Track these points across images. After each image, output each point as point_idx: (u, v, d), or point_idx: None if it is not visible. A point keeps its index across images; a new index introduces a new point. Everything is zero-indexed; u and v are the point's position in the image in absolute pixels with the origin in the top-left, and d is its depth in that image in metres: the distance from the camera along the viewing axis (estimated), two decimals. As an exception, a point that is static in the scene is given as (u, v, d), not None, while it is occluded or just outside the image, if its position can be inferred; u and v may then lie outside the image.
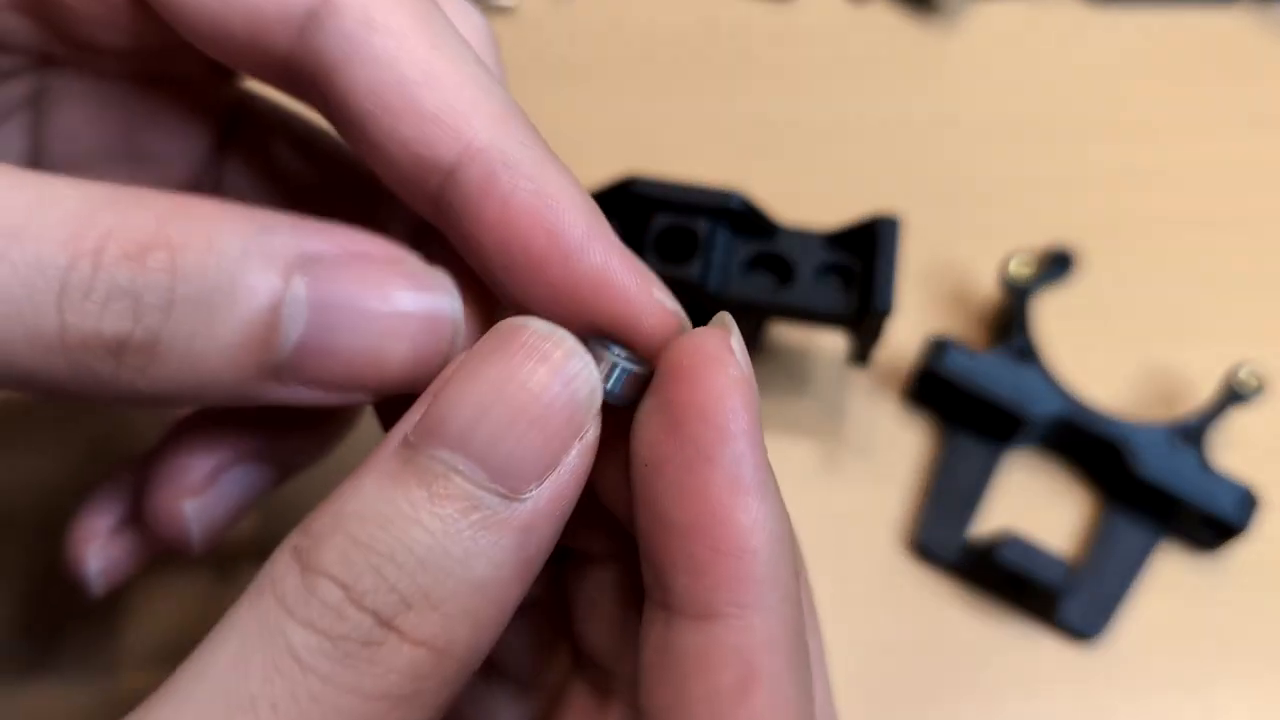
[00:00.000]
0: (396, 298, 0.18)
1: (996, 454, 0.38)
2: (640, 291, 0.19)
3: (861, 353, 0.36)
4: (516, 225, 0.19)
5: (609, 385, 0.19)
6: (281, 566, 0.17)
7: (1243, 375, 0.37)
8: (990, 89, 0.47)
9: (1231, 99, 0.47)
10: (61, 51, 0.22)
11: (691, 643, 0.17)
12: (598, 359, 0.19)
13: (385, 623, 0.17)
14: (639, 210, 0.34)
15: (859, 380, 0.40)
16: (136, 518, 0.25)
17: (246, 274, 0.17)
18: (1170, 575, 0.37)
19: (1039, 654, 0.36)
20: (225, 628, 0.17)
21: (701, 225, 0.34)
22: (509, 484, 0.17)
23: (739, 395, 0.18)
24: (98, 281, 0.16)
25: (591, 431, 0.18)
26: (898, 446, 0.39)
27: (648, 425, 0.18)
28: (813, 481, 0.38)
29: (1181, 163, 0.45)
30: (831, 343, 0.40)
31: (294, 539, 0.17)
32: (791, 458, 0.38)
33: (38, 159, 0.24)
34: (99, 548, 0.25)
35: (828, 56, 0.47)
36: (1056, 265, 0.41)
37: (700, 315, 0.38)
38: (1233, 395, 0.37)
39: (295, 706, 0.16)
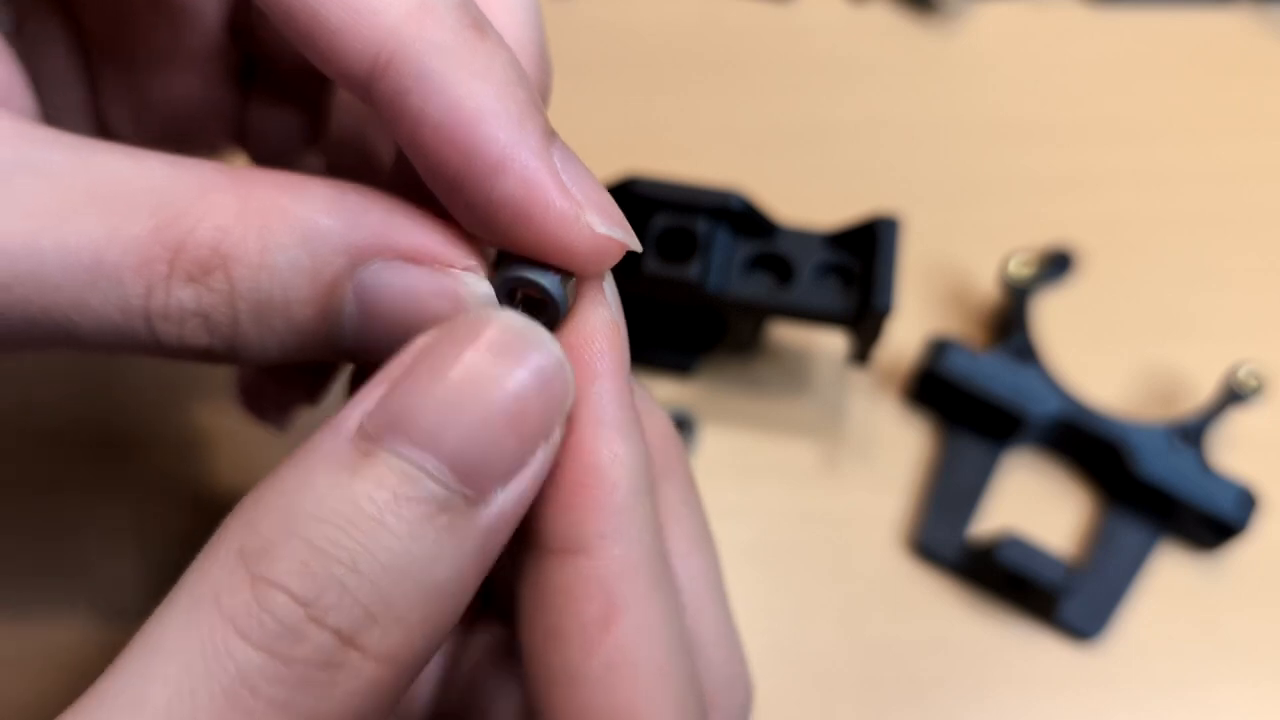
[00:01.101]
0: (433, 292, 0.18)
1: (996, 454, 0.38)
2: (565, 217, 0.18)
3: (861, 353, 0.36)
4: (430, 148, 0.18)
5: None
6: (225, 573, 0.16)
7: (1242, 375, 0.37)
8: (990, 89, 0.47)
9: (1231, 99, 0.47)
10: None
11: (559, 577, 0.18)
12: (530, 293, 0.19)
13: (348, 641, 0.15)
14: (639, 210, 0.34)
15: (859, 380, 0.40)
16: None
17: (298, 289, 0.18)
18: (1170, 575, 0.37)
19: (1039, 654, 0.36)
20: (160, 643, 0.15)
21: (701, 225, 0.34)
22: (476, 486, 0.16)
23: (606, 337, 0.18)
24: (171, 307, 0.18)
25: (559, 432, 0.18)
26: (898, 446, 0.39)
27: None
28: (813, 481, 0.38)
29: (1181, 163, 0.45)
30: (831, 343, 0.40)
31: (237, 535, 0.16)
32: (791, 458, 0.38)
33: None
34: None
35: (828, 56, 0.47)
36: (1056, 265, 0.41)
37: (700, 315, 0.38)
38: (1232, 395, 0.37)
39: (233, 712, 0.15)
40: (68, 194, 0.18)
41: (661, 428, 0.23)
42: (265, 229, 0.18)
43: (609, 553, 0.18)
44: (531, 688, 0.18)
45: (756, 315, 0.36)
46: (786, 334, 0.41)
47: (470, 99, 0.18)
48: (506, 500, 0.17)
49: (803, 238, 0.35)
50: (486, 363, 0.17)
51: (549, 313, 0.19)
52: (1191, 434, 0.37)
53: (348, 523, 0.16)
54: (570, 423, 0.18)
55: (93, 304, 0.18)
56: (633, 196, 0.34)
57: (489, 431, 0.16)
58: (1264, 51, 0.48)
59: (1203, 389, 0.39)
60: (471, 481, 0.16)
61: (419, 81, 0.18)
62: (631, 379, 0.20)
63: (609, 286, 0.19)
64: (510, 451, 0.17)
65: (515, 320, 0.17)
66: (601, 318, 0.19)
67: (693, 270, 0.34)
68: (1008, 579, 0.35)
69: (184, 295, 0.18)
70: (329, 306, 0.18)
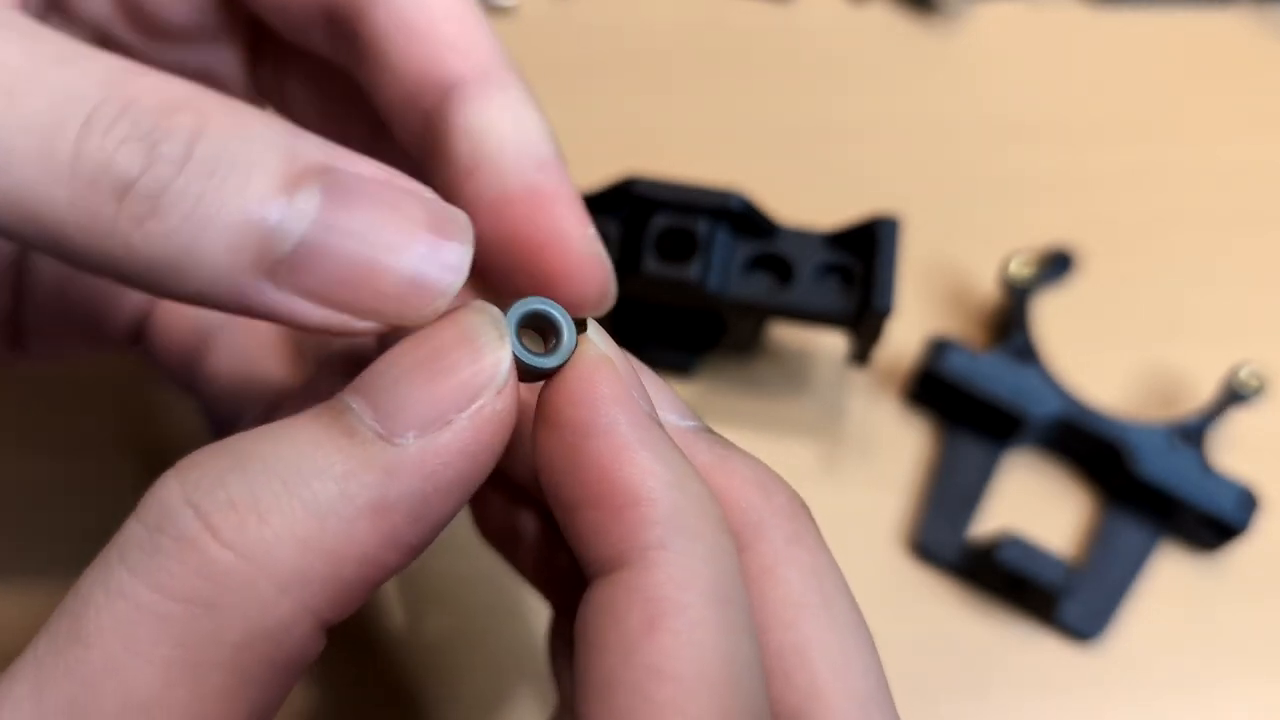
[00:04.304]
0: (408, 227, 0.19)
1: (996, 454, 0.38)
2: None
3: (861, 353, 0.36)
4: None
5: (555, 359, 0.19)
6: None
7: (1243, 375, 0.37)
8: (990, 89, 0.47)
9: (1231, 99, 0.47)
10: None
11: (604, 596, 0.18)
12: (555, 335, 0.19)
13: (202, 517, 0.16)
14: (639, 210, 0.34)
15: (859, 380, 0.40)
16: None
17: (268, 158, 0.18)
18: (1170, 575, 0.37)
19: (1039, 654, 0.36)
20: None
21: (701, 225, 0.34)
22: (386, 424, 0.17)
23: (600, 370, 0.19)
24: (121, 121, 0.17)
25: (490, 407, 0.18)
26: (898, 446, 0.39)
27: (535, 438, 0.19)
28: (813, 481, 0.38)
29: (1181, 163, 0.45)
30: (831, 343, 0.40)
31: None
32: (791, 458, 0.38)
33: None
34: None
35: (828, 56, 0.47)
36: (1056, 265, 0.41)
37: (700, 315, 0.38)
38: (1233, 395, 0.37)
39: (105, 598, 0.16)
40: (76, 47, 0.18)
41: (749, 475, 0.22)
42: (255, 113, 0.18)
43: (653, 562, 0.17)
44: (576, 713, 0.18)
45: (756, 315, 0.36)
46: (786, 334, 0.41)
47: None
48: (413, 446, 0.17)
49: (803, 238, 0.35)
50: (428, 329, 0.18)
51: (558, 339, 0.19)
52: (1192, 434, 0.37)
53: (263, 436, 0.17)
54: (592, 455, 0.18)
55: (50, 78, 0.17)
56: (633, 196, 0.34)
57: (405, 374, 0.18)
58: (1264, 51, 0.48)
59: (1203, 389, 0.39)
60: (383, 417, 0.18)
61: (500, 92, 0.23)
62: (705, 428, 0.22)
63: (593, 330, 0.20)
64: (421, 395, 0.18)
65: (476, 303, 0.19)
66: (593, 354, 0.19)
67: (693, 270, 0.34)
68: (1008, 579, 0.35)
69: (142, 117, 0.17)
70: (294, 187, 0.18)
